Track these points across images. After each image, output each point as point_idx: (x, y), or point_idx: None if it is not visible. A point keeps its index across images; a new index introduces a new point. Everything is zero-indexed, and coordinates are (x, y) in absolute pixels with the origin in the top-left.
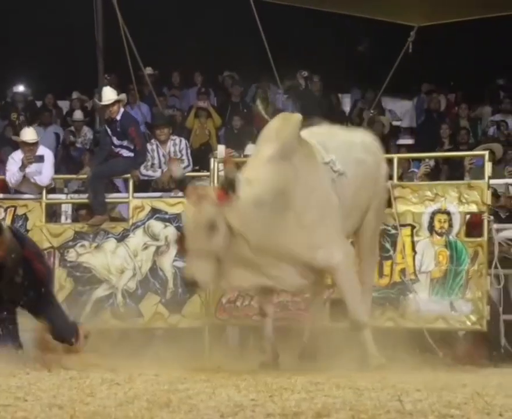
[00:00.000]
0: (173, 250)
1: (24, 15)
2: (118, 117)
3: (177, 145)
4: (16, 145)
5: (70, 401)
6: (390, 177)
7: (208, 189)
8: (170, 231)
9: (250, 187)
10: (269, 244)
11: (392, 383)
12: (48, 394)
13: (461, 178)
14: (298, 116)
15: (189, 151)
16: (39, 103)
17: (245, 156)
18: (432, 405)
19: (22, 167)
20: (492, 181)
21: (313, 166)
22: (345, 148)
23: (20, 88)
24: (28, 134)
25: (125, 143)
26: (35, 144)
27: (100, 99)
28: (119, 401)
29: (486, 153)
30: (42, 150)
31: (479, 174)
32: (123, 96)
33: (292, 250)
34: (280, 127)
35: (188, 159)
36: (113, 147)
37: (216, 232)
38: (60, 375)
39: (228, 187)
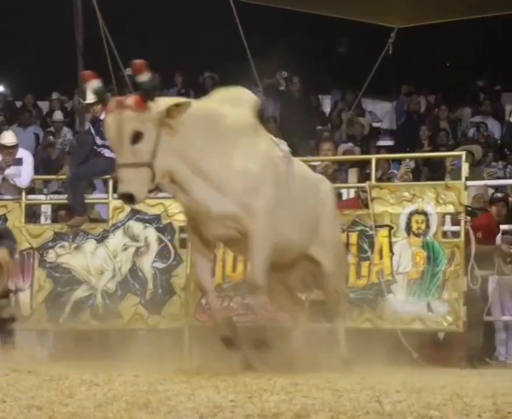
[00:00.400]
0: (152, 251)
1: (3, 15)
2: (102, 117)
3: None
4: None
5: (48, 402)
6: (369, 178)
7: (126, 98)
8: (150, 232)
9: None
10: (198, 161)
11: (371, 384)
12: (27, 395)
13: (441, 179)
14: (255, 96)
15: None
16: (18, 104)
17: None
18: (411, 406)
19: (1, 170)
20: (470, 183)
21: (260, 131)
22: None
23: None
24: (7, 137)
25: (107, 143)
26: (14, 147)
27: (84, 98)
28: (98, 402)
29: (463, 153)
30: (21, 152)
31: (459, 175)
32: (107, 95)
33: (221, 178)
34: (237, 89)
35: None
36: (95, 147)
37: (142, 140)
38: (39, 376)
39: (146, 94)
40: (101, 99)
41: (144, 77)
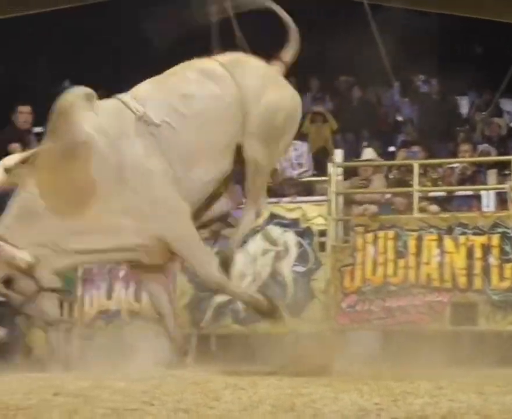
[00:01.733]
0: (292, 255)
1: (136, 25)
2: None
3: (298, 149)
4: None
5: (195, 405)
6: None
7: None
8: (289, 236)
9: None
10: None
11: None
12: (173, 399)
13: None
14: (77, 95)
15: (310, 156)
16: None
17: (362, 160)
18: None
19: None
20: None
21: (121, 139)
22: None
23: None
24: None
25: None
26: None
27: None
28: (243, 405)
29: None
30: None
31: None
32: None
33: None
34: (58, 125)
35: (309, 164)
36: None
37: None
38: (183, 379)
39: None
40: None
41: None
